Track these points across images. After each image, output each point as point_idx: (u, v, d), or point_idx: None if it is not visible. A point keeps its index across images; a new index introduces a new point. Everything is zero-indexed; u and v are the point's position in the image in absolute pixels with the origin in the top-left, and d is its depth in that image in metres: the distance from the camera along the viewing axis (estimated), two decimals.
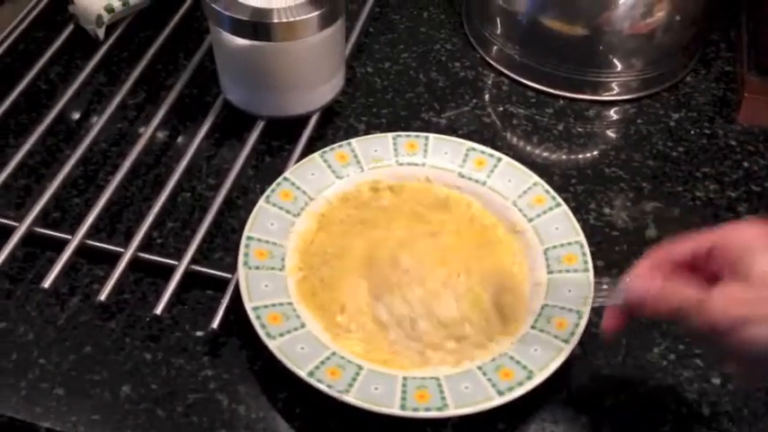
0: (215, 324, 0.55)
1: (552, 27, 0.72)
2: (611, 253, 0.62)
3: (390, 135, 0.65)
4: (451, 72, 0.76)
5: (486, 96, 0.75)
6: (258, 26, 0.61)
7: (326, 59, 0.66)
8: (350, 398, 0.50)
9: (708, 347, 0.49)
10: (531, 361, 0.52)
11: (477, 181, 0.63)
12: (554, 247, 0.59)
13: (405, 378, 0.52)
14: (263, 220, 0.59)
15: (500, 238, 0.60)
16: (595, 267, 0.57)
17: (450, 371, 0.52)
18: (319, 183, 0.62)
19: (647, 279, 0.46)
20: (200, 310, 0.58)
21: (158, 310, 0.55)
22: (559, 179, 0.67)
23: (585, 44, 0.72)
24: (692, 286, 0.44)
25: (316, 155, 0.63)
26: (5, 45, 0.73)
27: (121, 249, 0.58)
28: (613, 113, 0.74)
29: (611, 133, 0.72)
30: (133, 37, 0.76)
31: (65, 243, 0.59)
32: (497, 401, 0.50)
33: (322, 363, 0.52)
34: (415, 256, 0.57)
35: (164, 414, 0.53)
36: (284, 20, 0.61)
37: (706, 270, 0.45)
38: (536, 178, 0.62)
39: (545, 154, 0.70)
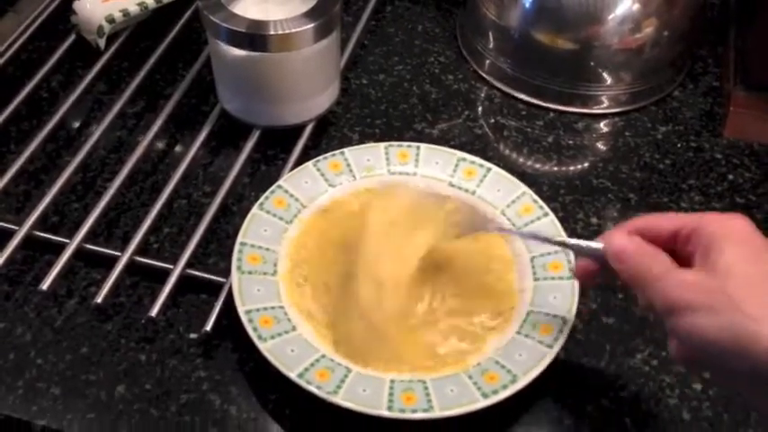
0: (208, 327, 0.56)
1: (543, 41, 0.74)
2: None
3: (383, 145, 0.67)
4: (445, 84, 0.78)
5: (479, 108, 0.76)
6: (255, 37, 0.63)
7: (322, 70, 0.68)
8: (338, 399, 0.51)
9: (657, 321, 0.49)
10: (516, 365, 0.53)
11: (466, 190, 0.64)
12: (541, 254, 0.60)
13: (392, 381, 0.53)
14: (256, 227, 0.60)
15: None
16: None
17: (436, 374, 0.54)
18: (312, 191, 0.64)
19: (628, 237, 0.47)
20: (194, 313, 0.59)
21: (153, 312, 0.56)
22: (548, 189, 0.69)
23: (576, 58, 0.74)
24: (666, 261, 0.45)
25: (309, 164, 0.65)
26: (8, 54, 0.75)
27: (118, 253, 0.60)
28: (602, 126, 0.75)
29: (599, 145, 0.74)
30: (133, 47, 0.78)
31: (63, 247, 0.60)
32: (482, 404, 0.51)
33: (312, 365, 0.53)
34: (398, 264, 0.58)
35: (157, 413, 0.54)
36: (280, 32, 0.62)
37: (682, 251, 0.46)
38: (524, 188, 0.64)
39: (535, 165, 0.71)
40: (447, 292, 0.58)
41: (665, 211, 0.67)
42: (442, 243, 0.59)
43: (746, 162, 0.71)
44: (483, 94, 0.78)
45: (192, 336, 0.58)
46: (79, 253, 0.60)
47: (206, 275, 0.60)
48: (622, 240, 0.47)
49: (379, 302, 0.55)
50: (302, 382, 0.52)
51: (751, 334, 0.40)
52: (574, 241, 0.53)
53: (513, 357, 0.54)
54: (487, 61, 0.78)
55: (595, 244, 0.50)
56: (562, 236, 0.60)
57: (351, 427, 0.53)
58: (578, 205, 0.68)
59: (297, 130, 0.70)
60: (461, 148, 0.69)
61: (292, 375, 0.52)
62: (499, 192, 0.64)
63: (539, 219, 0.62)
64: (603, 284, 0.60)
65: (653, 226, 0.48)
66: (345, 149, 0.66)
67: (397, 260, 0.57)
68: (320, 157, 0.65)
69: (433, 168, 0.66)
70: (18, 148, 0.69)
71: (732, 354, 0.41)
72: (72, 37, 0.77)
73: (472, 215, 0.61)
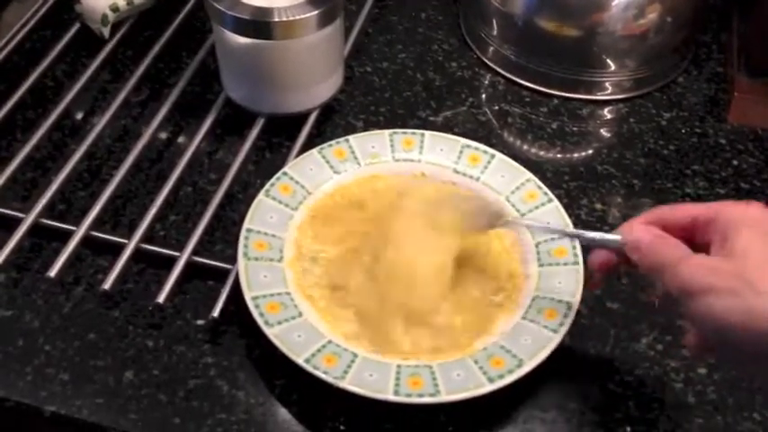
0: (215, 313, 0.56)
1: (547, 28, 0.74)
2: None
3: (387, 132, 0.67)
4: (448, 72, 0.78)
5: (483, 96, 0.77)
6: (259, 25, 0.63)
7: (325, 58, 0.68)
8: (345, 384, 0.51)
9: (672, 312, 0.49)
10: (522, 350, 0.54)
11: (471, 177, 0.65)
12: (545, 240, 0.60)
13: (398, 366, 0.53)
14: (262, 213, 0.61)
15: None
16: (585, 261, 0.59)
17: (443, 359, 0.54)
18: (317, 177, 0.64)
19: (645, 228, 0.47)
20: (201, 300, 0.59)
21: (161, 299, 0.57)
22: (552, 176, 0.69)
23: (579, 45, 0.74)
24: (684, 248, 0.45)
25: (314, 151, 0.65)
26: (13, 43, 0.75)
27: (125, 240, 0.60)
28: (606, 112, 0.75)
29: (603, 132, 0.74)
30: (137, 36, 0.78)
31: (70, 234, 0.60)
32: (488, 388, 0.52)
33: (318, 350, 0.53)
34: (405, 247, 0.58)
35: (165, 399, 0.54)
36: (284, 19, 0.62)
37: (700, 240, 0.46)
38: (529, 174, 0.64)
39: (539, 152, 0.72)
40: (453, 277, 0.58)
41: (669, 197, 0.67)
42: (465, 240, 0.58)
43: (750, 147, 0.72)
44: (487, 82, 0.78)
45: (200, 322, 0.58)
46: (86, 240, 0.61)
47: (212, 262, 0.60)
48: (640, 231, 0.47)
49: (410, 293, 0.56)
50: (309, 368, 0.52)
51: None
52: (591, 234, 0.53)
53: (518, 342, 0.54)
54: (491, 48, 0.78)
55: (613, 236, 0.50)
56: (570, 226, 0.60)
57: (358, 411, 0.54)
58: (582, 192, 0.68)
59: (301, 117, 0.70)
60: (466, 135, 0.70)
61: (299, 361, 0.52)
62: (503, 178, 0.64)
63: (543, 205, 0.62)
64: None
65: (668, 217, 0.48)
66: (350, 137, 0.66)
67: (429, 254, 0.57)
68: (325, 145, 0.66)
69: (437, 155, 0.66)
70: (24, 136, 0.69)
71: (751, 336, 0.41)
72: (76, 26, 0.77)
73: (486, 210, 0.59)
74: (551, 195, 0.63)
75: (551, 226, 0.60)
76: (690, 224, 0.47)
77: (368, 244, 0.59)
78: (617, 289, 0.61)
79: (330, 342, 0.54)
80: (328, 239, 0.60)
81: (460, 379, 0.52)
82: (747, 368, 0.53)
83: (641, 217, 0.49)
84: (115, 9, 0.74)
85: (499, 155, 0.65)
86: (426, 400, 0.51)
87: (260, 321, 0.54)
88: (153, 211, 0.62)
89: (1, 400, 0.54)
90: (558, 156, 0.71)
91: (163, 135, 0.71)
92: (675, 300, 0.45)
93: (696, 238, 0.47)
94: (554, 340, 0.54)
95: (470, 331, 0.56)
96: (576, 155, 0.71)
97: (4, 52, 0.74)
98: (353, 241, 0.60)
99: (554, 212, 0.62)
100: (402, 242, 0.57)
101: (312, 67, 0.67)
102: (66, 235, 0.60)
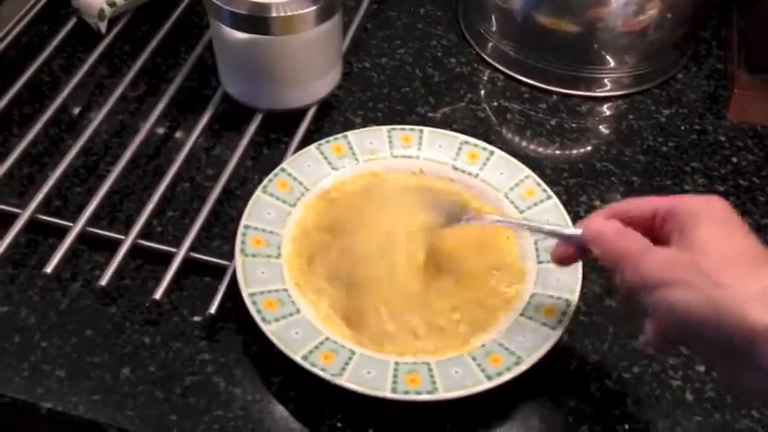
0: (212, 309, 0.56)
1: (546, 24, 0.74)
2: None
3: (385, 128, 0.66)
4: (447, 68, 0.78)
5: (482, 92, 0.76)
6: (257, 20, 0.62)
7: (324, 54, 0.68)
8: (343, 381, 0.51)
9: (631, 307, 0.49)
10: (520, 347, 0.53)
11: (470, 173, 0.64)
12: (544, 237, 0.60)
13: (396, 363, 0.53)
14: (259, 210, 0.60)
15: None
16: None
17: (441, 356, 0.54)
18: (315, 174, 0.63)
19: (606, 221, 0.48)
20: (198, 296, 0.59)
21: (157, 295, 0.56)
22: (551, 173, 0.68)
23: (579, 41, 0.73)
24: (644, 240, 0.45)
25: (312, 147, 0.65)
26: (10, 38, 0.75)
27: (122, 237, 0.60)
28: (606, 109, 0.75)
29: (602, 128, 0.74)
30: (134, 31, 0.78)
31: (67, 230, 0.60)
32: (486, 385, 0.51)
33: (316, 347, 0.53)
34: (406, 246, 0.58)
35: (162, 395, 0.54)
36: (282, 14, 0.62)
37: (660, 233, 0.47)
38: (528, 171, 0.64)
39: (538, 148, 0.71)
40: (451, 274, 0.58)
41: (668, 194, 0.67)
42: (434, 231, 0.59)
43: (750, 144, 0.71)
44: (486, 78, 0.77)
45: (197, 318, 0.58)
46: (83, 236, 0.60)
47: (210, 258, 0.60)
48: (600, 224, 0.48)
49: (390, 285, 0.56)
50: (307, 365, 0.52)
51: (728, 304, 0.41)
52: (552, 227, 0.53)
53: (517, 339, 0.54)
54: (490, 44, 0.78)
55: (573, 230, 0.51)
56: (569, 226, 0.60)
57: (355, 409, 0.53)
58: (581, 188, 0.68)
59: (299, 113, 0.70)
60: (464, 131, 0.69)
61: (297, 357, 0.52)
62: (502, 175, 0.64)
63: (542, 202, 0.62)
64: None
65: (630, 209, 0.48)
66: (348, 133, 0.66)
67: (406, 242, 0.57)
68: (323, 141, 0.65)
69: (436, 152, 0.65)
70: (21, 131, 0.69)
71: (710, 326, 0.41)
72: (73, 21, 0.76)
73: (445, 206, 0.60)
74: (550, 192, 0.62)
75: (509, 220, 0.59)
76: (651, 217, 0.47)
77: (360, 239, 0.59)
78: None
79: (328, 339, 0.54)
80: (326, 236, 0.60)
81: (458, 376, 0.52)
82: (713, 362, 0.52)
83: (603, 210, 0.49)
84: (112, 4, 0.74)
85: (498, 151, 0.65)
86: (424, 397, 0.51)
87: (257, 318, 0.54)
88: (150, 206, 0.62)
89: None
90: (557, 152, 0.71)
91: (160, 130, 0.71)
92: (637, 292, 0.44)
93: (657, 231, 0.47)
94: (552, 337, 0.54)
95: (469, 329, 0.55)
96: (575, 151, 0.71)
97: (1, 47, 0.74)
98: (351, 237, 0.60)
99: (553, 209, 0.61)
100: (365, 241, 0.57)
101: (310, 62, 0.67)
102: (63, 231, 0.60)
